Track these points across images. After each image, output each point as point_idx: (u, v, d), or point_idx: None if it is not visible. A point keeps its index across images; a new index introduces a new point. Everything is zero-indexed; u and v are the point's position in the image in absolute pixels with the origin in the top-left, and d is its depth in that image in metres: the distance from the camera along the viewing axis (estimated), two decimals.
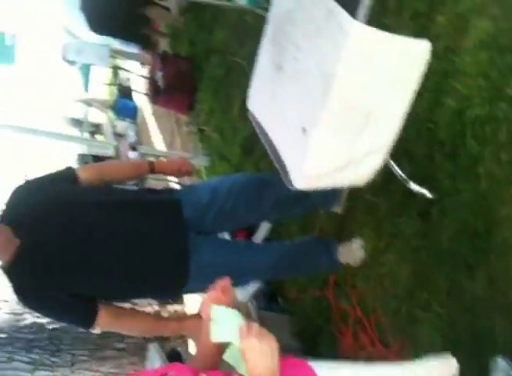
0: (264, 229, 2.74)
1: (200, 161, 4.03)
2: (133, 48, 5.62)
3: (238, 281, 1.88)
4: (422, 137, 2.06)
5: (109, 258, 1.84)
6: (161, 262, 1.91)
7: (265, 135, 1.88)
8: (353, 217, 2.41)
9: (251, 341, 1.08)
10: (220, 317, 1.17)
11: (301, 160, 1.62)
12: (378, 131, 1.63)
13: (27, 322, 4.35)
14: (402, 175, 1.93)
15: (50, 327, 4.38)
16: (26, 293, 1.83)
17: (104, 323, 1.88)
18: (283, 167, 1.74)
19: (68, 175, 1.97)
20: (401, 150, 1.85)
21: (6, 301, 4.25)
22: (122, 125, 7.07)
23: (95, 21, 4.96)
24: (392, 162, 1.89)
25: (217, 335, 1.16)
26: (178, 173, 2.23)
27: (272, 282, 2.84)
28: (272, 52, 1.77)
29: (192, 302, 3.15)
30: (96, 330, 1.96)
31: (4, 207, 1.90)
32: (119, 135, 6.71)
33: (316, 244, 2.39)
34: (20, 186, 1.97)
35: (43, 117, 7.90)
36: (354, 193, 2.26)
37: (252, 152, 3.37)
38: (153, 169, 2.13)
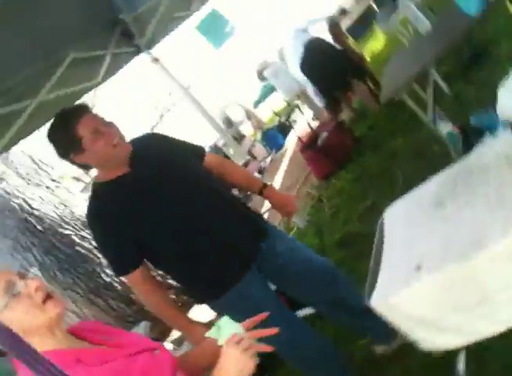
0: (306, 311, 2.69)
1: (299, 221, 4.07)
2: (319, 101, 5.86)
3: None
4: None
5: (193, 234, 1.93)
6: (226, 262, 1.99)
7: (380, 245, 1.86)
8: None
9: (236, 349, 1.12)
10: (225, 323, 1.28)
11: (396, 287, 1.57)
12: (479, 320, 1.55)
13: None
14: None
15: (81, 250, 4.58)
16: (101, 214, 1.92)
17: (132, 279, 1.95)
18: (374, 279, 1.70)
19: (200, 151, 2.16)
20: None
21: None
22: (259, 148, 7.36)
23: (307, 62, 5.27)
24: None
25: (214, 333, 1.28)
26: (281, 208, 2.26)
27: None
28: (444, 187, 1.77)
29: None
30: (122, 279, 2.03)
31: (135, 138, 2.08)
32: (251, 154, 7.00)
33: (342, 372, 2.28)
34: (157, 134, 2.21)
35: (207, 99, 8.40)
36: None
37: (346, 248, 3.34)
38: (262, 191, 2.22)
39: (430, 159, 3.33)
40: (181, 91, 4.73)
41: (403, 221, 1.88)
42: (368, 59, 5.85)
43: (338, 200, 4.20)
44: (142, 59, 4.55)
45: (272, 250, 2.07)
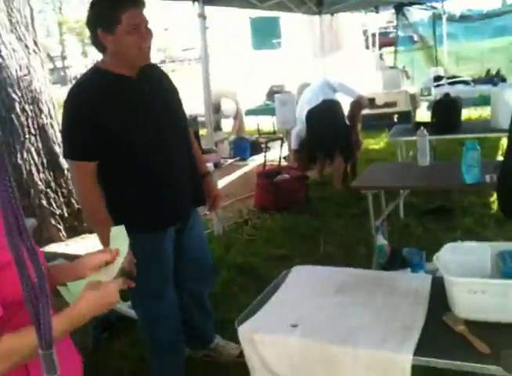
0: None
1: (216, 223, 4.24)
2: (293, 144, 6.08)
3: None
4: None
5: (158, 162, 2.09)
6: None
7: (275, 289, 2.04)
8: None
9: (96, 294, 1.11)
10: (117, 234, 1.31)
11: (267, 329, 1.75)
12: None
13: None
14: None
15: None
16: (92, 96, 1.97)
17: (84, 169, 2.00)
18: (252, 312, 1.87)
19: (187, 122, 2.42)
20: None
21: None
22: (225, 148, 7.48)
23: (316, 113, 5.45)
24: None
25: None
26: (209, 198, 2.50)
27: None
28: (353, 281, 1.99)
29: None
30: (70, 166, 2.11)
31: None
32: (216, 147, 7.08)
33: None
34: (168, 77, 2.34)
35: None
36: None
37: (240, 273, 3.52)
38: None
39: (353, 253, 3.60)
40: (203, 52, 4.69)
41: (305, 283, 2.08)
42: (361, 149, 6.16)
43: (260, 233, 4.39)
44: (191, 7, 4.54)
45: (191, 225, 2.32)
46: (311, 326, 1.73)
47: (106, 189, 2.09)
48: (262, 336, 1.72)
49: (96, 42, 2.01)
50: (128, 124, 2.00)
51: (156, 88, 2.11)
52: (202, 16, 4.50)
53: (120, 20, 1.90)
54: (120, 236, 1.27)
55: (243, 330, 1.76)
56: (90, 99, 1.96)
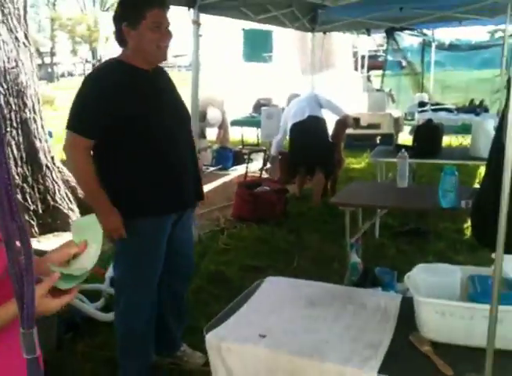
0: None
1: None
2: (274, 151, 6.07)
3: None
4: None
5: (167, 153, 2.21)
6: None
7: (246, 298, 2.04)
8: None
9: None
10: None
11: (234, 338, 1.74)
12: None
13: None
14: None
15: None
16: (112, 81, 2.10)
17: (82, 144, 2.11)
18: (222, 319, 1.86)
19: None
20: None
21: None
22: (207, 156, 7.47)
23: (300, 128, 5.48)
24: None
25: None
26: None
27: None
28: (325, 295, 1.99)
29: None
30: (68, 137, 2.14)
31: None
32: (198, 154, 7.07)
33: None
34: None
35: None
36: None
37: (212, 281, 3.50)
38: None
39: (326, 269, 3.61)
40: (194, 59, 4.69)
41: (276, 294, 2.08)
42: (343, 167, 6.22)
43: (235, 243, 4.38)
44: (185, 13, 4.54)
45: (185, 221, 2.38)
46: (280, 337, 1.73)
47: (110, 174, 2.18)
48: (229, 344, 1.71)
49: (119, 37, 2.16)
50: (144, 111, 2.11)
51: (167, 87, 2.30)
52: (196, 23, 4.52)
53: (145, 16, 2.07)
54: (90, 226, 1.22)
55: (211, 338, 1.75)
56: (111, 82, 2.10)
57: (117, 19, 2.13)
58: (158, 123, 2.14)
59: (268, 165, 6.41)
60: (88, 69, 18.45)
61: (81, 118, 2.13)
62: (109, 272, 3.07)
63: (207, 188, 6.12)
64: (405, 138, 7.87)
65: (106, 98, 2.07)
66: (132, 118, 2.09)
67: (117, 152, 2.15)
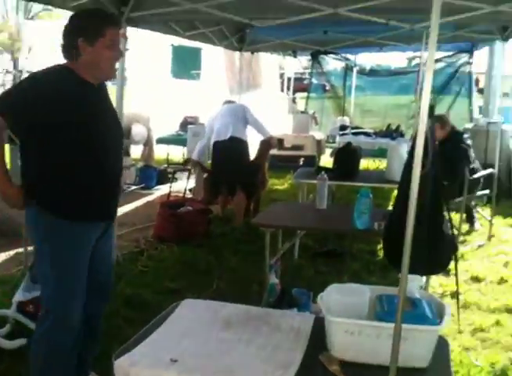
0: None
1: None
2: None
3: None
4: None
5: (100, 163, 2.21)
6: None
7: (160, 322, 2.00)
8: None
9: None
10: None
11: (145, 363, 1.70)
12: None
13: None
14: None
15: None
16: (56, 84, 2.09)
17: None
18: (134, 344, 1.81)
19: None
20: None
21: None
22: (131, 174, 7.33)
23: (222, 147, 5.52)
24: None
25: None
26: None
27: None
28: (241, 316, 2.00)
29: None
30: None
31: None
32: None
33: None
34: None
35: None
36: None
37: (127, 305, 3.40)
38: None
39: (246, 290, 3.62)
40: (119, 73, 4.61)
41: (192, 317, 2.07)
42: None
43: (155, 264, 4.29)
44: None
45: (107, 237, 2.36)
46: (192, 361, 1.71)
47: (47, 175, 2.15)
48: (139, 371, 1.68)
49: (69, 49, 2.15)
50: (86, 120, 2.12)
51: (107, 101, 2.35)
52: (123, 37, 4.46)
53: (104, 34, 2.11)
54: None
55: (120, 364, 1.70)
56: (54, 83, 2.09)
57: (72, 33, 2.14)
58: (98, 133, 2.18)
59: (193, 185, 6.37)
60: (9, 80, 17.57)
61: (7, 98, 2.11)
62: (17, 297, 2.90)
63: (128, 207, 6.01)
64: (327, 160, 8.11)
65: (42, 95, 2.06)
66: (75, 124, 2.11)
67: (57, 155, 2.14)
